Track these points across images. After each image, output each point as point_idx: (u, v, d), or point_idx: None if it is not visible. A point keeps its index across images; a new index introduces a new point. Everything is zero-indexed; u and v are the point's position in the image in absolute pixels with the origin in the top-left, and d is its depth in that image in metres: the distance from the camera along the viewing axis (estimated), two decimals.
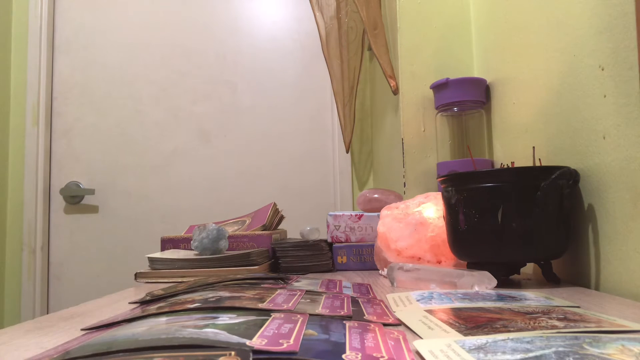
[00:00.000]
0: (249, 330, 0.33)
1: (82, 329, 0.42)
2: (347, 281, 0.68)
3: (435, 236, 0.74)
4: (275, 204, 1.04)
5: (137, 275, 0.78)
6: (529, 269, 0.82)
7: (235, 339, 0.31)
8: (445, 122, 1.05)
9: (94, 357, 0.29)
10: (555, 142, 0.73)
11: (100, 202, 1.72)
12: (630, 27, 0.55)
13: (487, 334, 0.35)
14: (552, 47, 0.73)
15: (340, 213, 0.91)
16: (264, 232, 0.90)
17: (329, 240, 0.90)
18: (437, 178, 0.84)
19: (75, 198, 1.70)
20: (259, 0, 1.78)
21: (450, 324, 0.39)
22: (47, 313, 1.68)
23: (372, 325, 0.38)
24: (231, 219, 1.10)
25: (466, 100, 0.96)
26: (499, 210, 0.61)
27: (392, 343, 0.33)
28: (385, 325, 0.40)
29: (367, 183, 1.73)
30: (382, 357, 0.29)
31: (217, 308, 0.41)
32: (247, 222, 1.04)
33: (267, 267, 0.83)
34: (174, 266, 0.78)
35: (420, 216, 0.76)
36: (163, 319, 0.38)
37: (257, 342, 0.30)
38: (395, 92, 1.09)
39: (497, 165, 0.96)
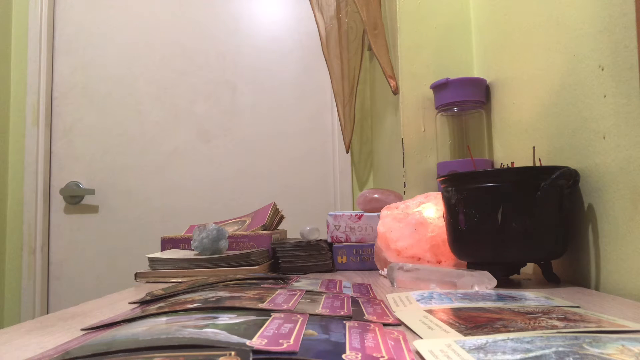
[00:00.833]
0: (249, 330, 0.33)
1: (82, 329, 0.42)
2: (347, 281, 0.68)
3: (435, 236, 0.74)
4: (275, 204, 1.04)
5: (137, 275, 0.78)
6: (529, 269, 0.82)
7: (235, 339, 0.31)
8: (445, 122, 1.05)
9: (94, 357, 0.29)
10: (555, 142, 0.73)
11: (100, 202, 1.72)
12: (630, 27, 0.55)
13: (487, 334, 0.35)
14: (552, 47, 0.73)
15: (340, 213, 0.91)
16: (264, 232, 0.90)
17: (329, 240, 0.90)
18: (437, 178, 0.84)
19: (75, 198, 1.70)
20: (258, 0, 1.78)
21: (450, 324, 0.39)
22: (47, 313, 1.68)
23: (372, 325, 0.38)
24: (231, 219, 1.10)
25: (466, 100, 0.96)
26: (499, 210, 0.61)
27: (392, 343, 0.33)
28: (385, 325, 0.40)
29: (367, 183, 1.73)
30: (382, 357, 0.29)
31: (217, 308, 0.41)
32: (247, 222, 1.04)
33: (267, 267, 0.83)
34: (174, 266, 0.78)
35: (420, 216, 0.76)
36: (163, 319, 0.38)
37: (257, 342, 0.30)
38: (395, 92, 1.09)
39: (497, 165, 0.96)
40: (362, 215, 0.90)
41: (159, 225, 1.71)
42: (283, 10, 1.78)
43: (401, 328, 0.40)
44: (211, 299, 0.45)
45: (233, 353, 0.27)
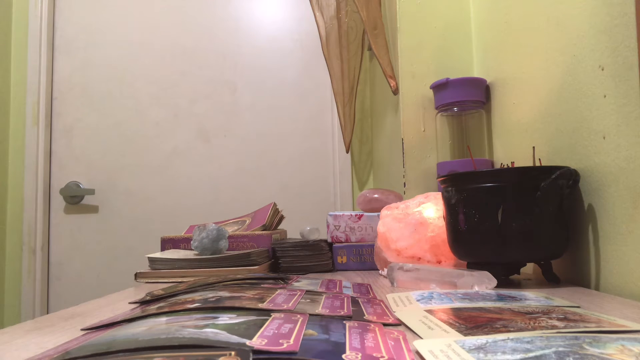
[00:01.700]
0: (249, 330, 0.33)
1: (82, 329, 0.42)
2: (347, 281, 0.68)
3: (435, 236, 0.74)
4: (275, 204, 1.04)
5: (137, 275, 0.78)
6: (529, 269, 0.82)
7: (235, 339, 0.31)
8: (445, 122, 1.05)
9: (94, 357, 0.29)
10: (555, 142, 0.73)
11: (100, 202, 1.72)
12: (630, 27, 0.55)
13: (487, 334, 0.35)
14: (552, 47, 0.73)
15: (340, 213, 0.91)
16: (264, 232, 0.90)
17: (329, 240, 0.90)
18: (437, 178, 0.84)
19: (75, 198, 1.70)
20: (259, 0, 1.78)
21: (450, 324, 0.39)
22: (47, 313, 1.68)
23: (372, 325, 0.38)
24: (231, 219, 1.10)
25: (466, 100, 0.96)
26: (499, 210, 0.61)
27: (392, 343, 0.33)
28: (385, 325, 0.40)
29: (367, 183, 1.73)
30: (382, 357, 0.29)
31: (217, 308, 0.41)
32: (247, 222, 1.04)
33: (267, 267, 0.83)
34: (174, 266, 0.78)
35: (420, 216, 0.76)
36: (163, 319, 0.38)
37: (257, 342, 0.30)
38: (395, 92, 1.09)
39: (497, 165, 0.96)
40: (362, 215, 0.90)
41: (159, 225, 1.71)
42: (283, 10, 1.78)
43: (401, 328, 0.40)
44: (211, 299, 0.45)
45: (233, 353, 0.27)
